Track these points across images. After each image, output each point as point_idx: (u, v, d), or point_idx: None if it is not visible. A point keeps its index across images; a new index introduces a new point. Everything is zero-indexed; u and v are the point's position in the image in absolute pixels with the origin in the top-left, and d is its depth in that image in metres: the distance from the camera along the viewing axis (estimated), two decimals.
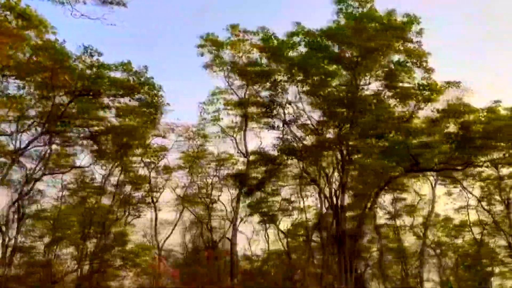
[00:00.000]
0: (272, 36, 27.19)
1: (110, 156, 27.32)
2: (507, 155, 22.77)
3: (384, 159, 24.64)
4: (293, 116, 25.87)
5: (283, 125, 26.68)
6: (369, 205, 42.08)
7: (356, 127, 23.08)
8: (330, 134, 25.24)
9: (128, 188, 35.48)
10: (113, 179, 35.41)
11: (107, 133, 24.12)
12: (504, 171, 42.08)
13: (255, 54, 28.85)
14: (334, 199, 25.18)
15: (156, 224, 35.37)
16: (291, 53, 25.33)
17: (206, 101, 33.76)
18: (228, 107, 31.84)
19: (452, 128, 23.62)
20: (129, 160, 32.89)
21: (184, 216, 42.58)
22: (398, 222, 47.55)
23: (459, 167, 25.84)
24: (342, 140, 23.43)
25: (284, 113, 26.53)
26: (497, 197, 42.86)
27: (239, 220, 42.07)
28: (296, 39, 25.07)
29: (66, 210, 38.78)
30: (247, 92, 30.70)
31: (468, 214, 47.39)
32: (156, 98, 22.23)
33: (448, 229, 52.76)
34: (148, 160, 33.79)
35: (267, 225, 42.90)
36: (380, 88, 24.01)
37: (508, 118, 22.98)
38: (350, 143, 23.81)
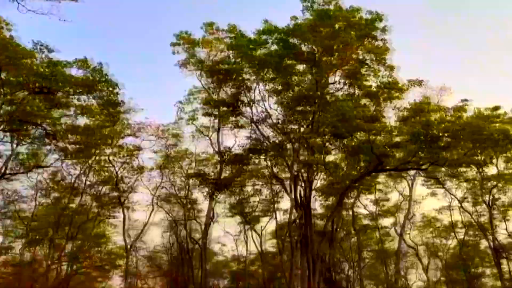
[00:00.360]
0: (240, 34, 27.02)
1: (76, 156, 26.87)
2: (470, 154, 22.40)
3: (350, 159, 24.35)
4: (262, 115, 25.53)
5: (253, 124, 26.38)
6: (350, 204, 41.99)
7: (318, 125, 22.71)
8: (296, 132, 24.85)
9: (101, 188, 35.10)
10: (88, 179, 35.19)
11: (67, 132, 23.67)
12: (488, 172, 42.24)
13: (229, 53, 28.55)
14: (300, 198, 24.87)
15: (125, 225, 34.81)
16: (260, 51, 24.98)
17: (182, 100, 33.69)
18: (205, 107, 31.50)
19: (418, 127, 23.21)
20: (102, 160, 32.60)
21: (169, 217, 42.34)
22: (382, 222, 47.60)
23: (424, 167, 25.47)
24: (305, 138, 23.08)
25: (252, 112, 26.27)
26: (483, 198, 42.84)
27: (217, 220, 42.07)
28: (263, 37, 24.76)
29: (40, 211, 38.59)
30: (220, 91, 30.45)
31: (451, 215, 47.29)
32: (114, 95, 21.80)
33: (433, 229, 52.70)
34: (121, 160, 33.43)
35: (246, 226, 42.73)
36: (345, 87, 23.72)
37: (473, 118, 22.63)
38: (316, 141, 23.41)
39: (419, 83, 22.71)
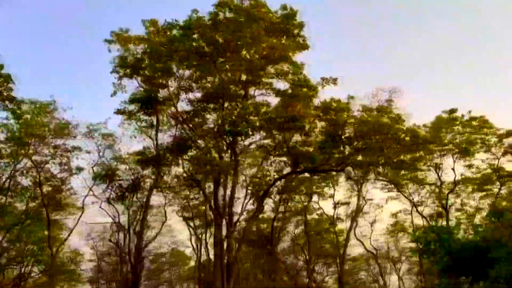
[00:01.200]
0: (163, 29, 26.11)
1: None
2: (378, 154, 21.39)
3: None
4: (178, 113, 24.47)
5: (173, 122, 25.48)
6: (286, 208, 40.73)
7: (224, 124, 21.70)
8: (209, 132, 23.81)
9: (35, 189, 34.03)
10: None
11: None
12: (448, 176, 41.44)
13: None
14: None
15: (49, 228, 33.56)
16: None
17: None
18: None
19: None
20: (33, 160, 31.70)
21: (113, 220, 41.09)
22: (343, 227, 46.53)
23: (337, 167, 24.37)
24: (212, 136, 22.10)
25: (176, 110, 25.20)
26: (441, 202, 42.09)
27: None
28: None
29: None
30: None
31: (412, 218, 46.32)
32: (9, 90, 20.77)
33: (400, 233, 51.64)
34: (56, 160, 32.44)
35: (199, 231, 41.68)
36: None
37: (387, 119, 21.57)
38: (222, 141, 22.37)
39: (333, 81, 21.65)
